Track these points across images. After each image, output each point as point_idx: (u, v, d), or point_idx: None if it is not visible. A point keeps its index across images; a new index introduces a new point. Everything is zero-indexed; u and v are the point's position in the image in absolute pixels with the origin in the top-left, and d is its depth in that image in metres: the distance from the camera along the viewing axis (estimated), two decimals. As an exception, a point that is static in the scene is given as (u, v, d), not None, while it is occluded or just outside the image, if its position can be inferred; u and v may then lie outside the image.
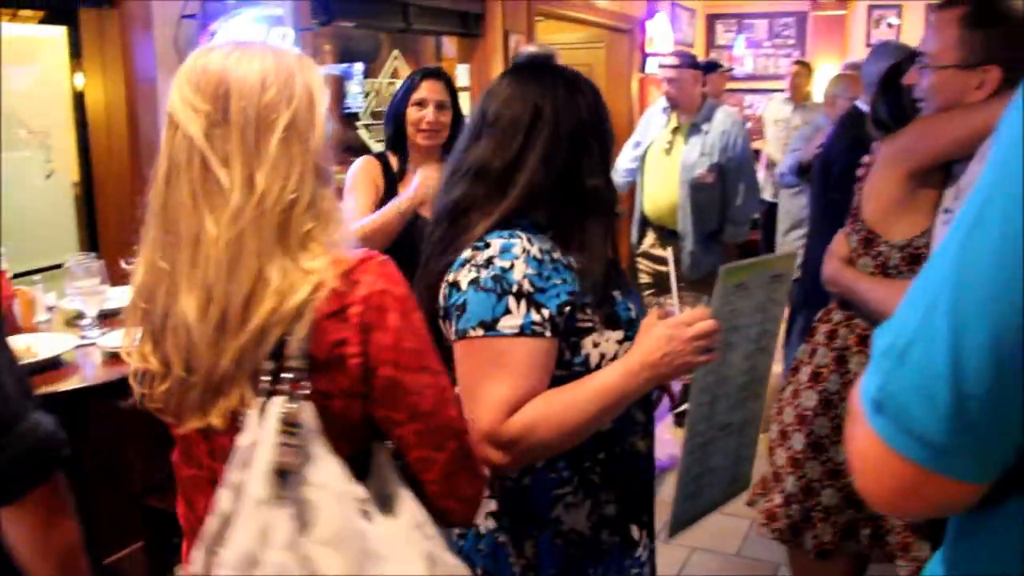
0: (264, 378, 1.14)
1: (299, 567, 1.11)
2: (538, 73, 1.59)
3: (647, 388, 1.46)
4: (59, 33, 3.16)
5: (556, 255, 1.50)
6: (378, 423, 1.23)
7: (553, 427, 1.42)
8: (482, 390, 1.43)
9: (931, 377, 0.72)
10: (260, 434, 1.12)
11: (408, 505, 1.22)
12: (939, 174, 1.99)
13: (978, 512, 0.80)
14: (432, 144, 2.82)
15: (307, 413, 1.13)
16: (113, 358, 2.32)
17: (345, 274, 1.16)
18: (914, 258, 2.03)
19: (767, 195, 5.89)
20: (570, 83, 1.57)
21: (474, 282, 1.44)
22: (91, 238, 3.25)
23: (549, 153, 1.51)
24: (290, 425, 1.12)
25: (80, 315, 2.53)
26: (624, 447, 1.59)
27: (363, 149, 5.54)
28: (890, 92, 2.17)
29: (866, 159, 2.18)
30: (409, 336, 1.19)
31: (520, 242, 1.46)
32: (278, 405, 1.12)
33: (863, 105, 3.59)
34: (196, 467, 1.27)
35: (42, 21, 3.06)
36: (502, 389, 1.41)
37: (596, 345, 1.49)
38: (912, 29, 8.55)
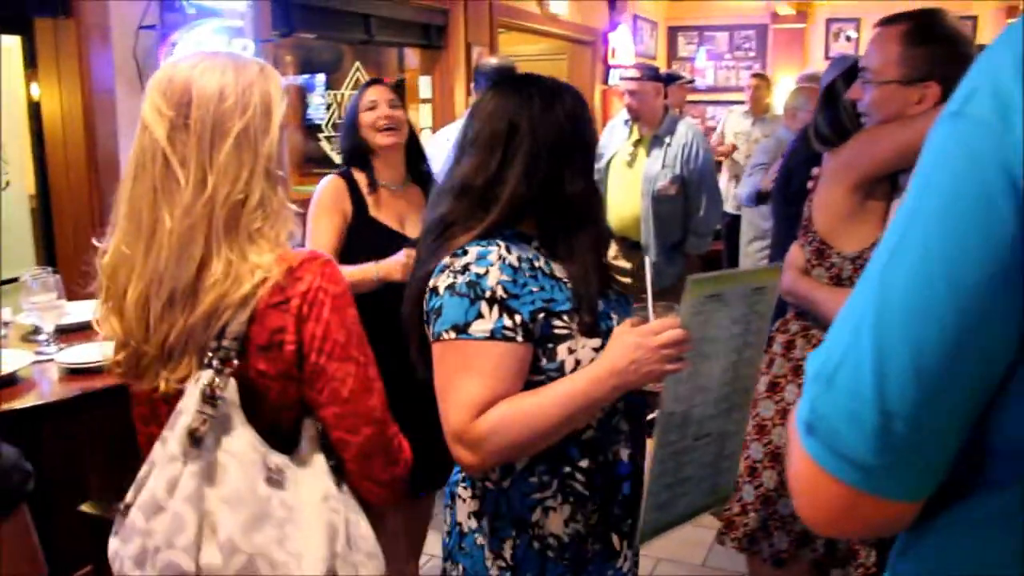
0: (209, 354, 1.31)
1: (196, 518, 1.27)
2: (517, 87, 1.61)
3: (614, 395, 1.48)
4: (13, 42, 3.11)
5: (539, 263, 1.55)
6: (307, 403, 1.38)
7: (519, 429, 1.45)
8: (453, 391, 1.48)
9: (857, 399, 0.74)
10: (187, 402, 1.29)
11: (320, 479, 1.37)
12: (885, 185, 2.03)
13: (918, 528, 0.81)
14: (393, 142, 2.76)
15: (230, 389, 1.30)
16: (71, 374, 2.28)
17: (289, 270, 1.32)
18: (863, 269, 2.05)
19: (730, 207, 5.93)
20: (548, 94, 1.59)
21: (450, 287, 1.49)
22: (48, 251, 3.19)
23: (529, 167, 1.55)
24: (210, 397, 1.28)
25: (36, 330, 2.49)
26: (607, 456, 1.60)
27: (325, 160, 5.52)
28: (829, 107, 2.22)
29: (815, 171, 2.21)
30: (339, 329, 1.35)
31: (497, 250, 1.51)
32: (205, 379, 1.29)
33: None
34: (158, 426, 1.37)
35: (-4, 31, 3.02)
36: (471, 390, 1.46)
37: (571, 352, 1.52)
38: (869, 42, 8.68)
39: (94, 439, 2.68)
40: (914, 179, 0.74)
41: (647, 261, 1.57)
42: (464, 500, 1.63)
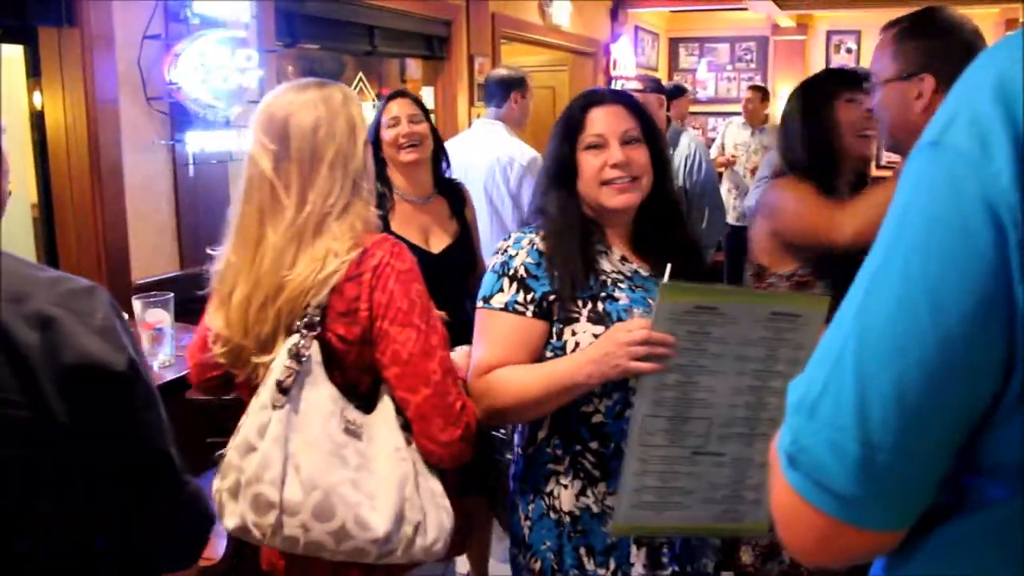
0: (296, 323, 1.52)
1: (282, 457, 1.48)
2: None
3: (590, 381, 1.57)
4: (17, 51, 3.09)
5: None
6: (375, 366, 1.57)
7: (503, 393, 1.64)
8: (474, 350, 1.73)
9: (839, 430, 0.73)
10: (278, 361, 1.52)
11: (394, 433, 1.56)
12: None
13: (905, 547, 0.80)
14: (417, 158, 2.74)
15: (314, 349, 1.52)
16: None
17: (363, 251, 1.55)
18: (800, 286, 2.20)
19: (731, 218, 5.92)
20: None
21: (492, 266, 1.75)
22: (51, 262, 3.17)
23: (544, 191, 1.81)
24: (296, 356, 1.50)
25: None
26: (620, 445, 1.64)
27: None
28: (787, 127, 2.32)
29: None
30: (402, 298, 1.54)
31: (531, 236, 1.75)
32: (292, 341, 1.52)
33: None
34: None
35: (-1, 39, 3.00)
36: (480, 352, 1.70)
37: (574, 334, 1.67)
38: (870, 55, 8.69)
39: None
40: (892, 208, 0.74)
41: (668, 267, 1.57)
42: (511, 463, 1.86)
